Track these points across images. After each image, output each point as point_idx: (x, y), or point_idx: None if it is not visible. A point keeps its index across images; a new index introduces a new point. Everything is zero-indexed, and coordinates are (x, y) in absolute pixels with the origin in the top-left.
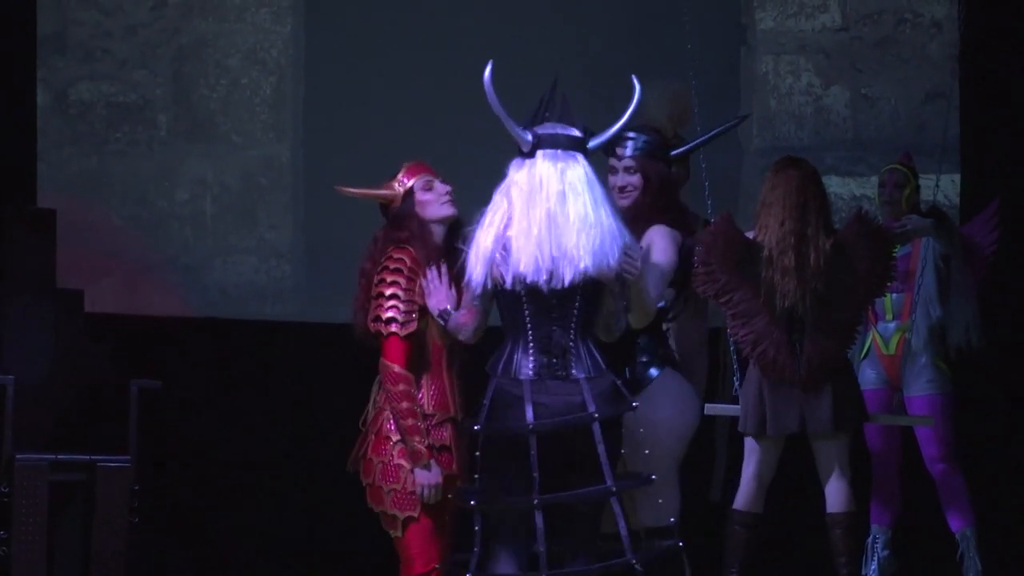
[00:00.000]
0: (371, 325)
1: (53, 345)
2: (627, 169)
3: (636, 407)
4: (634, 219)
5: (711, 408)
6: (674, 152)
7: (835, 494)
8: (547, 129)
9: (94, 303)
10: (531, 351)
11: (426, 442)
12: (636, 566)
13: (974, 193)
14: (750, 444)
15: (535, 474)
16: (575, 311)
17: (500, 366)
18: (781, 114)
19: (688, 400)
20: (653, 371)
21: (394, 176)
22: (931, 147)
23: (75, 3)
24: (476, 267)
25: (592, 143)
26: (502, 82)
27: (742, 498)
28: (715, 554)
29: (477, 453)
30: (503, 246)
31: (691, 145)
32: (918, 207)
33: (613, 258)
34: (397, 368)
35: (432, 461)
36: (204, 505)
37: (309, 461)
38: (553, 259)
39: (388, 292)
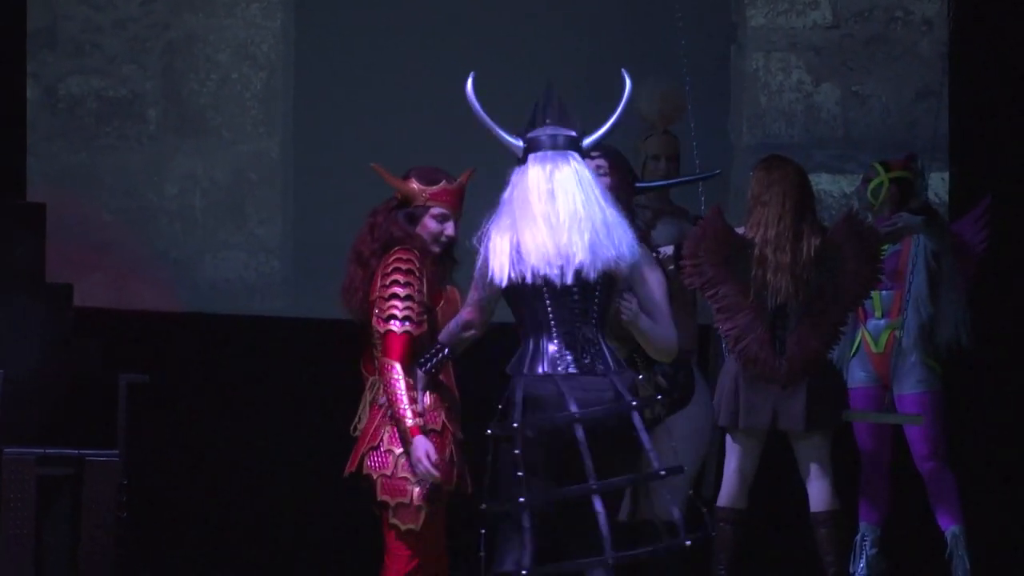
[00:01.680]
0: (379, 323)
1: (42, 339)
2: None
3: (661, 400)
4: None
5: None
6: (641, 184)
7: (817, 493)
8: (538, 132)
9: (83, 297)
10: (556, 347)
11: (418, 422)
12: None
13: (963, 191)
14: (729, 440)
15: (587, 461)
16: (595, 306)
17: (526, 364)
18: (771, 111)
19: (709, 396)
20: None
21: (429, 180)
22: (921, 145)
23: None
24: (500, 266)
25: (587, 141)
26: (493, 79)
27: (725, 494)
28: (706, 552)
29: (516, 451)
30: (516, 247)
31: (662, 184)
32: (907, 204)
33: (616, 250)
34: (398, 367)
35: (419, 436)
36: (193, 500)
37: (298, 457)
38: (556, 257)
39: (403, 293)
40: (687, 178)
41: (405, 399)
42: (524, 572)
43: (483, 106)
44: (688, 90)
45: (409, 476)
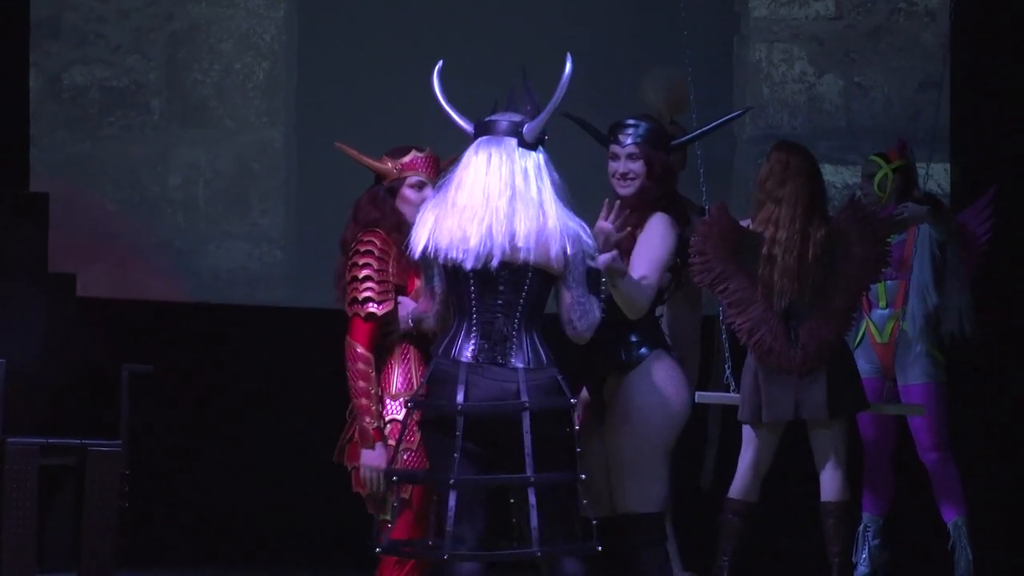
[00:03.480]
0: (347, 308)
1: (45, 329)
2: (629, 156)
3: (574, 403)
4: (637, 206)
5: (702, 396)
6: (674, 142)
7: (829, 483)
8: (489, 118)
9: (86, 287)
10: (473, 335)
11: (376, 424)
12: (537, 555)
13: (965, 181)
14: (747, 433)
15: (456, 454)
16: (521, 299)
17: (441, 347)
18: (774, 102)
19: (678, 385)
20: (644, 350)
21: (400, 153)
22: (924, 136)
23: None
24: (416, 238)
25: (527, 127)
26: (495, 69)
27: (738, 486)
28: (705, 540)
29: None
30: (435, 225)
31: (692, 136)
32: (911, 194)
33: (552, 244)
34: (360, 348)
35: (379, 444)
36: (195, 490)
37: (300, 446)
38: (475, 241)
39: (362, 275)
40: (719, 120)
41: (365, 392)
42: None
43: (452, 95)
44: (690, 81)
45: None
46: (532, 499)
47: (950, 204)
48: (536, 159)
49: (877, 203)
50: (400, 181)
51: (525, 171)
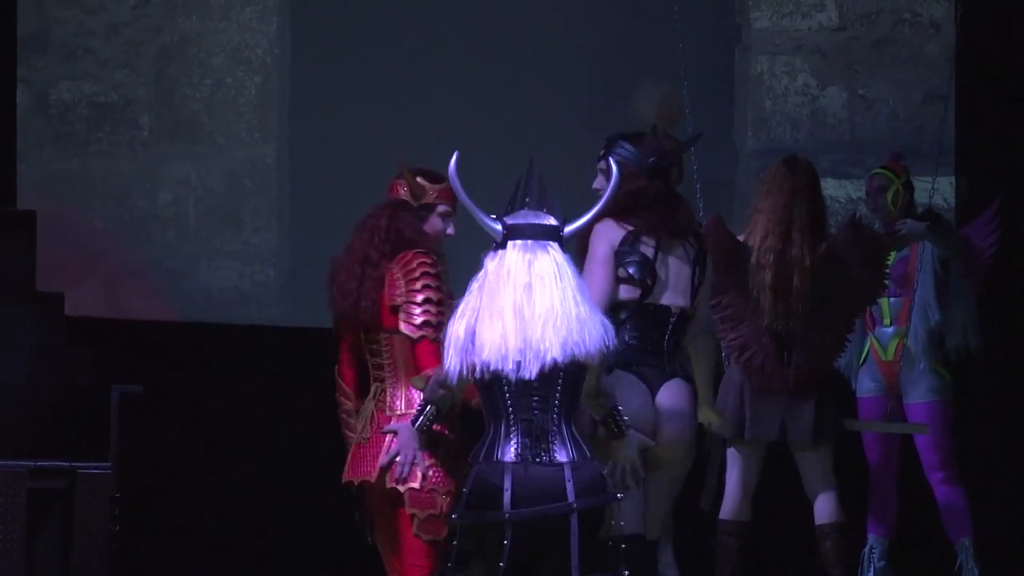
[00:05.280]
0: (411, 329)
1: (33, 349)
2: (601, 171)
3: (620, 499)
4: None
5: (701, 414)
6: (661, 161)
7: (822, 505)
8: (519, 219)
9: (75, 307)
10: (513, 435)
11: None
12: None
13: (971, 195)
14: (731, 452)
15: (501, 563)
16: (557, 394)
17: (482, 453)
18: (776, 115)
19: (642, 404)
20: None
21: (436, 179)
22: (929, 149)
23: (56, 1)
24: (451, 358)
25: (566, 230)
26: (492, 82)
27: (728, 507)
28: (707, 564)
29: (453, 542)
30: (471, 337)
31: (675, 153)
32: (912, 208)
33: (589, 346)
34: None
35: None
36: (187, 513)
37: (294, 468)
38: (520, 351)
39: (436, 298)
40: (691, 142)
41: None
42: None
43: (465, 184)
44: (686, 94)
45: (437, 488)
46: None
47: (956, 218)
48: (567, 262)
49: (888, 216)
50: (432, 207)
51: (568, 276)
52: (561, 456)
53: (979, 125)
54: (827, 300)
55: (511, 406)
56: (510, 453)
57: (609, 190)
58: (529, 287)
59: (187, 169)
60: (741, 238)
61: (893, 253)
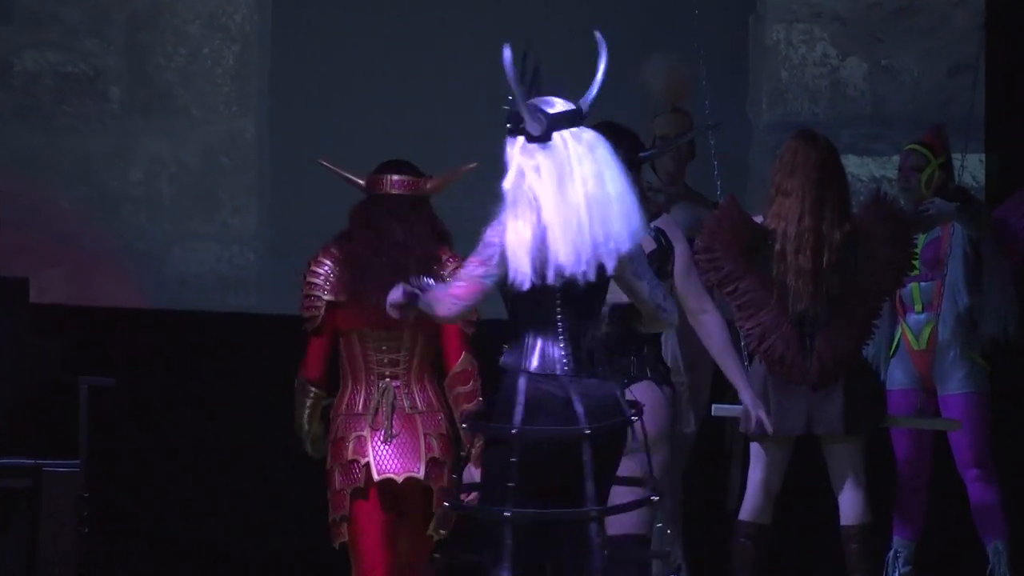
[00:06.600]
0: (470, 328)
1: None
2: None
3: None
4: None
5: (719, 409)
6: (643, 154)
7: (849, 505)
8: (550, 107)
9: (40, 293)
10: (564, 345)
11: None
12: None
13: (1002, 173)
14: (755, 448)
15: (589, 484)
16: (599, 302)
17: (530, 361)
18: (793, 87)
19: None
20: None
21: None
22: (957, 123)
23: None
24: (521, 260)
25: (585, 108)
26: (495, 51)
27: (748, 507)
28: (723, 567)
29: (513, 459)
30: (542, 241)
31: (659, 151)
32: (946, 189)
33: (629, 241)
34: None
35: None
36: (159, 512)
37: (273, 463)
38: (595, 245)
39: None
40: (681, 139)
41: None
42: None
43: (440, 86)
44: (702, 65)
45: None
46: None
47: (986, 196)
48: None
49: (918, 197)
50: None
51: (614, 162)
52: (602, 368)
53: (1010, 98)
54: (852, 281)
55: (560, 313)
56: (565, 365)
57: (603, 61)
58: (600, 176)
59: (160, 145)
60: (758, 219)
61: (922, 236)
